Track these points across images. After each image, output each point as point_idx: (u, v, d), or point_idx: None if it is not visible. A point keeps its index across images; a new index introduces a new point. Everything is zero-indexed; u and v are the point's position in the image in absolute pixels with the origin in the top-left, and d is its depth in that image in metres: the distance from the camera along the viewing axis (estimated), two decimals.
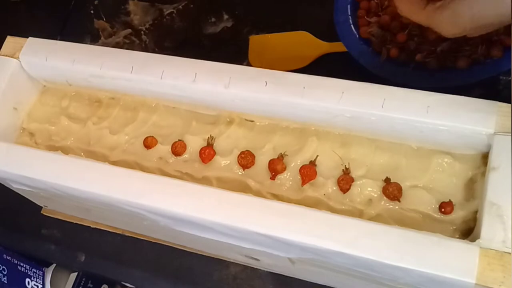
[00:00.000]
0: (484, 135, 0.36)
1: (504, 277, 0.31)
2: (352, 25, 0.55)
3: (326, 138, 0.42)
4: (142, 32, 0.69)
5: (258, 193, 0.40)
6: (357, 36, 0.55)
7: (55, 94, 0.50)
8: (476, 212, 0.36)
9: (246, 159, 0.42)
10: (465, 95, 0.38)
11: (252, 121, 0.44)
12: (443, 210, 0.37)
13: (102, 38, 0.70)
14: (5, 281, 0.60)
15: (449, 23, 0.38)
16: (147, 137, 0.45)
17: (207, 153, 0.43)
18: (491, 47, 0.50)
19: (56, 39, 0.48)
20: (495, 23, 0.36)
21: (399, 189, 0.38)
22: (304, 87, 0.40)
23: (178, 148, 0.44)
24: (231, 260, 0.54)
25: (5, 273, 0.60)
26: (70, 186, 0.40)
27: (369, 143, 0.41)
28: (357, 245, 0.33)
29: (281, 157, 0.42)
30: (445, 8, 0.37)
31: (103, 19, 0.71)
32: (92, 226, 0.59)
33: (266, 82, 0.41)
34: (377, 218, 0.38)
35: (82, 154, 0.46)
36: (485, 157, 0.38)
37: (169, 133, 0.45)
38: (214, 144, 0.44)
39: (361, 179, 0.39)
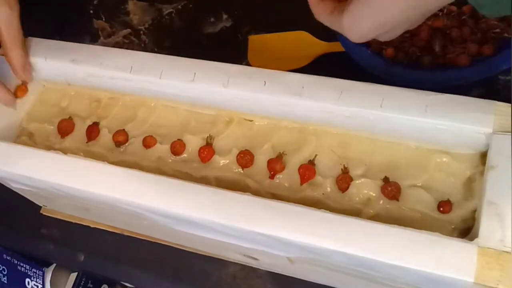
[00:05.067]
0: (482, 134, 0.37)
1: (502, 276, 0.31)
2: None
3: (325, 137, 0.42)
4: (141, 32, 0.69)
5: (257, 193, 0.40)
6: None
7: (54, 94, 0.50)
8: (474, 211, 0.36)
9: (245, 159, 0.42)
10: (464, 95, 0.38)
11: (251, 120, 0.44)
12: (441, 209, 0.37)
13: (101, 38, 0.70)
14: (5, 281, 0.60)
15: (350, 28, 0.33)
16: (146, 137, 0.45)
17: (206, 152, 0.43)
18: (485, 46, 0.50)
19: (56, 39, 0.49)
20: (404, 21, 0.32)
21: (397, 188, 0.38)
22: (303, 87, 0.40)
23: (177, 148, 0.44)
24: (230, 260, 0.54)
25: (5, 273, 0.60)
26: (69, 186, 0.40)
27: (368, 143, 0.41)
28: (355, 244, 0.33)
29: (280, 156, 0.42)
30: (346, 11, 0.33)
31: (102, 19, 0.71)
32: (91, 226, 0.59)
33: (265, 81, 0.41)
34: (375, 218, 0.38)
35: (81, 153, 0.46)
36: (483, 157, 0.38)
37: (168, 133, 0.45)
38: (213, 144, 0.44)
39: (360, 178, 0.39)
